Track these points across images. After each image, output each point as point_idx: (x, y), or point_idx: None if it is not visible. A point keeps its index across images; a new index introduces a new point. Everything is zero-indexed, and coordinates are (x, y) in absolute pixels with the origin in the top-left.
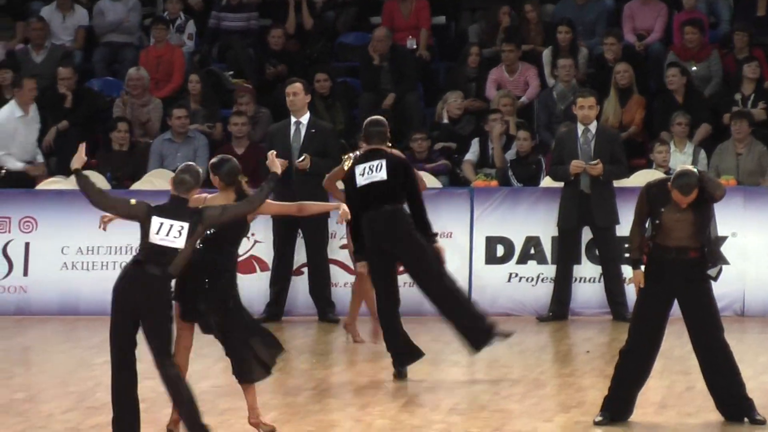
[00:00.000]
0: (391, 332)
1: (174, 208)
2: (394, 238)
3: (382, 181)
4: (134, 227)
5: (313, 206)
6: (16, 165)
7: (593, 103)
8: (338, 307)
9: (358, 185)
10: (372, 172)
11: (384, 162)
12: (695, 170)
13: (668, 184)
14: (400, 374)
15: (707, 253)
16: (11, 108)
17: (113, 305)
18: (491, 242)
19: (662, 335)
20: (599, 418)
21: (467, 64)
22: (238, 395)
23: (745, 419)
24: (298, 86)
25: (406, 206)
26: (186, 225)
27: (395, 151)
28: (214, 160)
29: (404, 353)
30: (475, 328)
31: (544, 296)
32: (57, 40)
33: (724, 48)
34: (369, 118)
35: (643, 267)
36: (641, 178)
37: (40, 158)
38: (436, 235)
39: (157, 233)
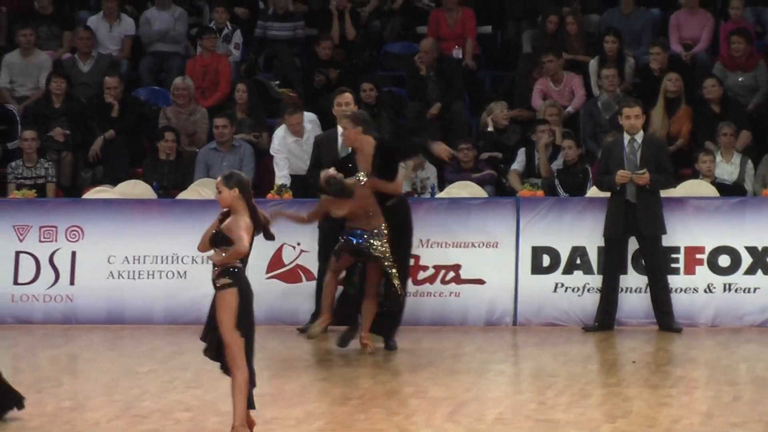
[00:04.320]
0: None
1: None
2: None
3: None
4: (182, 237)
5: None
6: None
7: (639, 113)
8: None
9: None
10: None
11: None
12: None
13: None
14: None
15: None
16: (283, 132)
17: None
18: (537, 252)
19: None
20: None
21: (532, 75)
22: (284, 404)
23: None
24: (348, 96)
25: None
26: None
27: None
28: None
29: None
30: None
31: (590, 306)
32: (104, 49)
33: None
34: None
35: None
36: (688, 187)
37: None
38: None
39: None
